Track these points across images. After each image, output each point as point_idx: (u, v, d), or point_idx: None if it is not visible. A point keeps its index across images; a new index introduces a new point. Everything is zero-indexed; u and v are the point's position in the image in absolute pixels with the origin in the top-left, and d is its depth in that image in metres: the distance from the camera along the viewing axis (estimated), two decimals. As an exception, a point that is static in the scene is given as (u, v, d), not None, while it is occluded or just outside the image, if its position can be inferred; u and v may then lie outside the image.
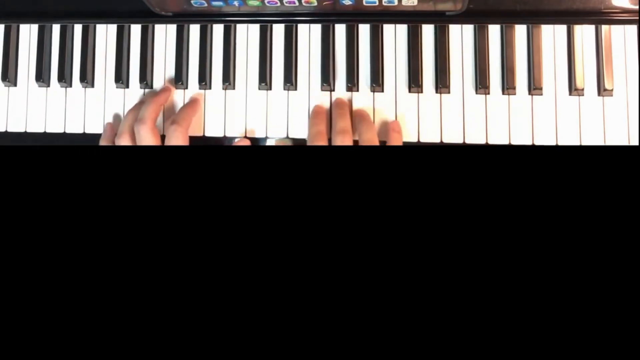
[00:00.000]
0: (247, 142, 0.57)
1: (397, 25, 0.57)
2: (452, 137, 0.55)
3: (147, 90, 0.59)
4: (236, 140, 0.58)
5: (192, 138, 0.57)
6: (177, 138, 0.54)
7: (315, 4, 0.53)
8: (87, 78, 0.60)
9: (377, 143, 0.53)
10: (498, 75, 0.56)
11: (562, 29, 0.56)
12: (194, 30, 0.59)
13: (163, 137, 0.57)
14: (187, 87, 0.59)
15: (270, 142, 0.58)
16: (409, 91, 0.56)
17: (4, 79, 0.61)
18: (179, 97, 0.59)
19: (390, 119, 0.56)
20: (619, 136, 0.54)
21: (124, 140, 0.54)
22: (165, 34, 0.60)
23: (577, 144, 0.54)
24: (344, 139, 0.52)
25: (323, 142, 0.53)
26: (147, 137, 0.53)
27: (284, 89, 0.58)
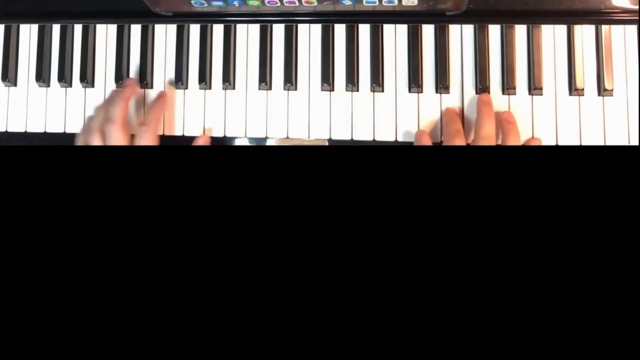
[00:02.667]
0: (208, 139, 0.57)
1: (397, 25, 0.57)
2: (452, 137, 0.55)
3: (147, 90, 0.59)
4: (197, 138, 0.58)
5: (191, 138, 0.57)
6: (147, 139, 0.54)
7: (315, 4, 0.53)
8: (87, 78, 0.60)
9: None
10: (498, 75, 0.56)
11: (562, 29, 0.56)
12: (194, 30, 0.59)
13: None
14: (187, 87, 0.59)
15: (270, 142, 0.58)
16: (409, 91, 0.56)
17: (4, 79, 0.61)
18: (179, 97, 0.59)
19: (391, 119, 0.56)
20: (619, 136, 0.54)
21: (95, 139, 0.54)
22: (165, 34, 0.60)
23: (577, 144, 0.54)
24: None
25: (462, 139, 0.52)
26: (117, 136, 0.53)
27: (284, 89, 0.58)
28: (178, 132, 0.59)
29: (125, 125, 0.55)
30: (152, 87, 0.59)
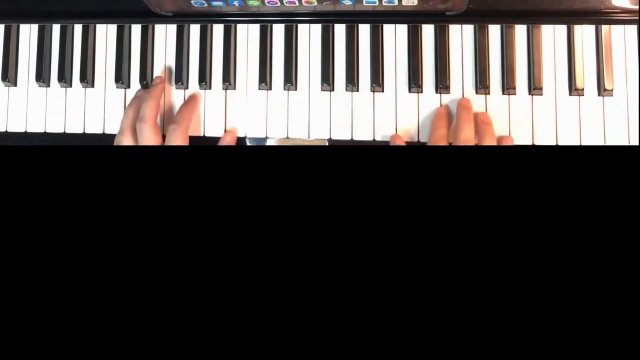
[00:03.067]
0: (234, 136, 0.57)
1: (397, 25, 0.57)
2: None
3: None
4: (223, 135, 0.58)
5: (192, 138, 0.57)
6: (177, 137, 0.54)
7: (315, 4, 0.53)
8: (87, 78, 0.60)
9: None
10: (498, 75, 0.56)
11: (562, 29, 0.56)
12: (194, 30, 0.59)
13: (164, 137, 0.57)
14: (187, 87, 0.59)
15: (270, 142, 0.58)
16: (409, 91, 0.56)
17: (4, 79, 0.61)
18: (179, 97, 0.59)
19: (391, 119, 0.56)
20: (619, 136, 0.54)
21: (125, 138, 0.55)
22: (165, 34, 0.60)
23: (577, 144, 0.54)
24: None
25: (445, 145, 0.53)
26: (149, 136, 0.54)
27: (284, 89, 0.58)
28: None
29: (157, 124, 0.55)
30: (152, 87, 0.60)
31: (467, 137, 0.52)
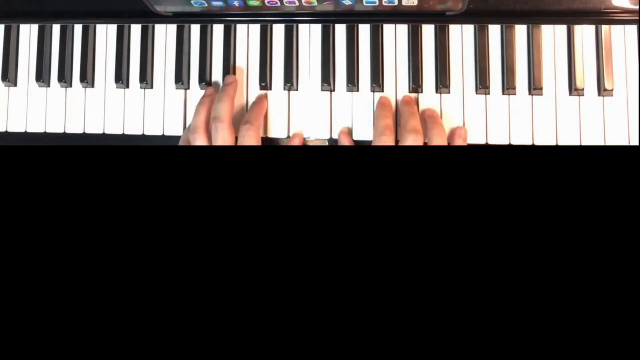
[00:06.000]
0: (301, 138, 0.57)
1: (397, 25, 0.57)
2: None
3: (147, 90, 0.60)
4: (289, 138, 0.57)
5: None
6: (251, 137, 0.53)
7: (315, 4, 0.53)
8: (87, 78, 0.60)
9: None
10: (498, 75, 0.56)
11: (562, 29, 0.56)
12: (194, 30, 0.59)
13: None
14: (187, 87, 0.59)
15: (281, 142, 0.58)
16: (409, 91, 0.56)
17: (4, 79, 0.61)
18: (179, 97, 0.59)
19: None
20: (619, 136, 0.54)
21: (199, 137, 0.54)
22: (165, 34, 0.60)
23: (577, 144, 0.54)
24: (416, 139, 0.51)
25: (391, 137, 0.52)
26: (224, 135, 0.53)
27: (284, 89, 0.58)
28: (179, 132, 0.59)
29: (232, 124, 0.54)
30: (152, 87, 0.59)
31: (414, 127, 0.52)
